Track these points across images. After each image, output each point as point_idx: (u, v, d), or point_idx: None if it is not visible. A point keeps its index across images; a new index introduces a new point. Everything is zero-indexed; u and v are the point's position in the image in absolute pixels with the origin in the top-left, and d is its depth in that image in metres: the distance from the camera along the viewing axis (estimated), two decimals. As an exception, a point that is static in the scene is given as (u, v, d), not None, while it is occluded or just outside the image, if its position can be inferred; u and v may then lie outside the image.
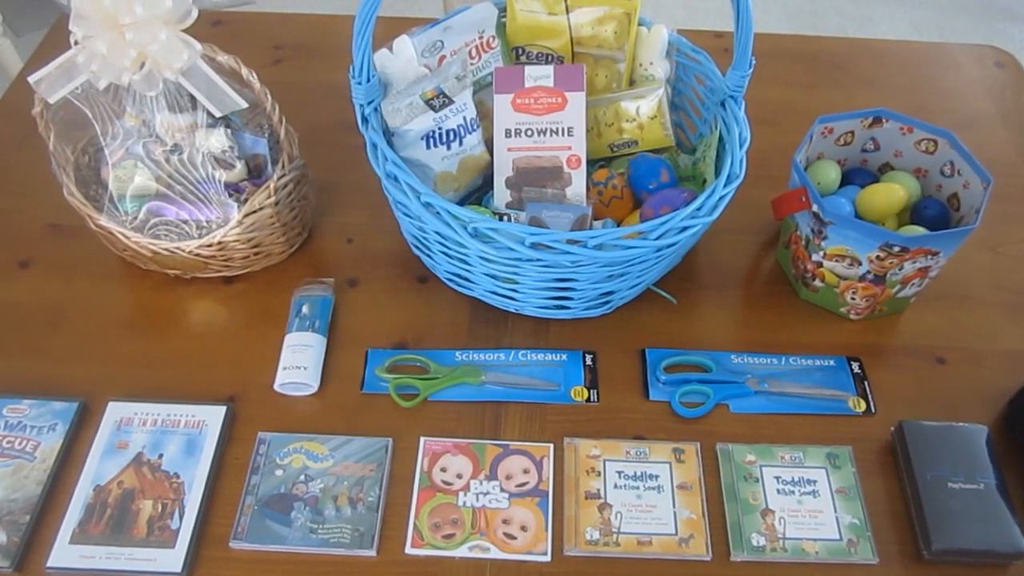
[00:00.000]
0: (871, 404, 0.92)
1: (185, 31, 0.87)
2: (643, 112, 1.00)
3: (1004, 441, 0.88)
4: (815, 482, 0.85)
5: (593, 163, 1.03)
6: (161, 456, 0.86)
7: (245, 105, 0.92)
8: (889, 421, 0.90)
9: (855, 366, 0.95)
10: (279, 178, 0.95)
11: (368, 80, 0.88)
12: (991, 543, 0.79)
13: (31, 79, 0.88)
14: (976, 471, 0.83)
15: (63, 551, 0.79)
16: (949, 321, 1.01)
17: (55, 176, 0.95)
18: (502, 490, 0.85)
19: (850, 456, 0.87)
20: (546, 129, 0.94)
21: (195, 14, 0.86)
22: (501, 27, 1.02)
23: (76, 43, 0.86)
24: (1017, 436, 0.89)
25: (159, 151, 0.93)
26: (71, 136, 0.98)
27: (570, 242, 0.83)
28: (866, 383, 0.94)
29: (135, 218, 0.94)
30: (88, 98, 0.91)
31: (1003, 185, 0.94)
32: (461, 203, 0.99)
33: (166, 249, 0.94)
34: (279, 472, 0.85)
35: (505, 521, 0.83)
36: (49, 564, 0.79)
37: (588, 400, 0.92)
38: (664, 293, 1.00)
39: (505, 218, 0.91)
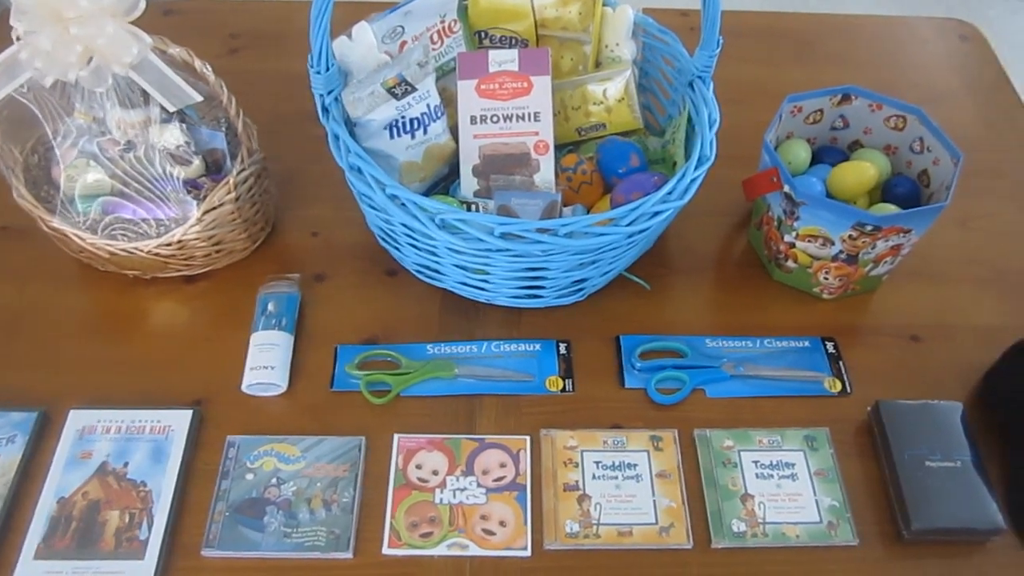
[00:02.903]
0: (847, 384, 0.92)
1: (134, 23, 0.84)
2: (610, 95, 0.98)
3: (979, 417, 0.88)
4: (793, 465, 0.85)
5: (561, 148, 1.01)
6: (127, 464, 0.83)
7: (199, 99, 0.89)
8: (865, 401, 0.90)
9: (830, 346, 0.95)
10: (238, 172, 0.92)
11: (327, 69, 0.85)
12: (970, 521, 0.80)
13: (-28, 77, 0.84)
14: (953, 449, 0.83)
15: (28, 567, 0.77)
16: (922, 298, 1.01)
17: (3, 177, 0.91)
18: (479, 485, 0.83)
19: (827, 438, 0.87)
20: (512, 115, 0.92)
21: (143, 5, 0.83)
22: (463, 11, 1.00)
23: (18, 39, 0.83)
24: (992, 411, 0.89)
25: (112, 149, 0.90)
26: (19, 135, 0.94)
27: (540, 231, 0.81)
28: (841, 363, 0.94)
29: (89, 219, 0.91)
30: (35, 96, 0.88)
31: (970, 160, 0.93)
32: (427, 193, 0.97)
33: (123, 250, 0.91)
34: (250, 476, 0.83)
35: (483, 517, 0.81)
36: (13, 581, 0.76)
37: (563, 390, 0.91)
38: (637, 279, 0.99)
39: (473, 207, 0.89)
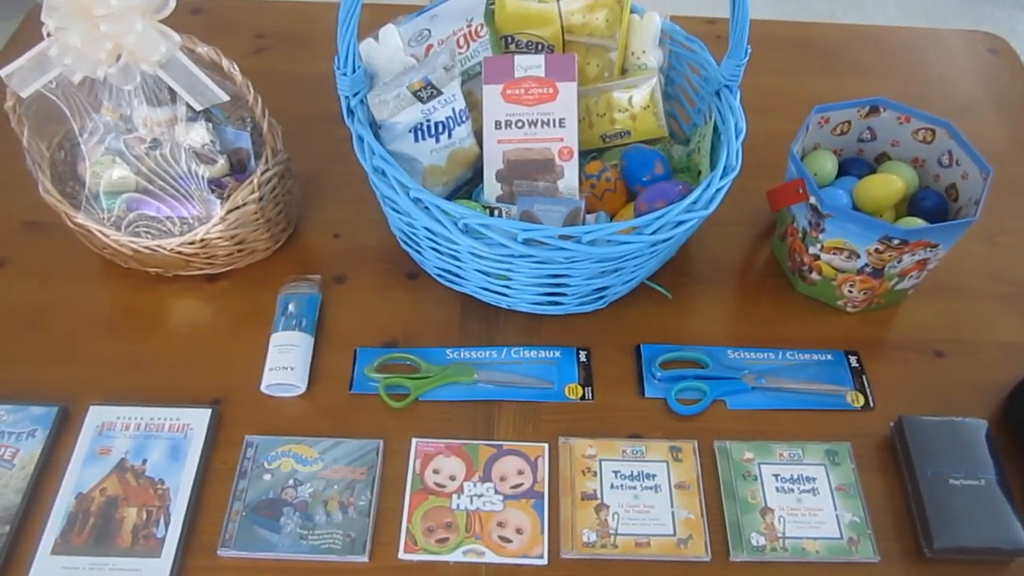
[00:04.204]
0: (869, 399, 0.91)
1: (163, 21, 0.84)
2: (636, 102, 0.97)
3: (1004, 435, 0.87)
4: (814, 480, 0.84)
5: (585, 155, 1.00)
6: (145, 462, 0.83)
7: (226, 98, 0.89)
8: (888, 416, 0.89)
9: (853, 360, 0.94)
10: (263, 172, 0.92)
11: (353, 71, 0.85)
12: (993, 540, 0.78)
13: (1, 73, 0.85)
14: (977, 467, 0.82)
15: (45, 562, 0.77)
16: (946, 313, 0.99)
17: (30, 172, 0.92)
18: (496, 492, 0.83)
19: (849, 452, 0.86)
20: (537, 120, 0.92)
21: (172, 4, 0.83)
22: (490, 15, 1.00)
23: (49, 35, 0.83)
24: (1017, 430, 0.88)
25: (138, 146, 0.90)
26: (46, 131, 0.95)
27: (563, 238, 0.80)
28: (864, 377, 0.93)
29: (114, 215, 0.91)
30: (63, 92, 0.88)
31: (998, 174, 0.92)
32: (450, 197, 0.97)
33: (147, 247, 0.91)
34: (267, 477, 0.83)
35: (500, 524, 0.81)
36: (30, 576, 0.76)
37: (583, 398, 0.90)
38: (659, 287, 0.98)
39: (496, 213, 0.89)
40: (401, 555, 0.79)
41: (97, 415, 0.86)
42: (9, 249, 1.01)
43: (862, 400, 0.91)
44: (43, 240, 1.01)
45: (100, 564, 0.77)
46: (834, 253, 0.91)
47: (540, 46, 1.00)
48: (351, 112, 0.89)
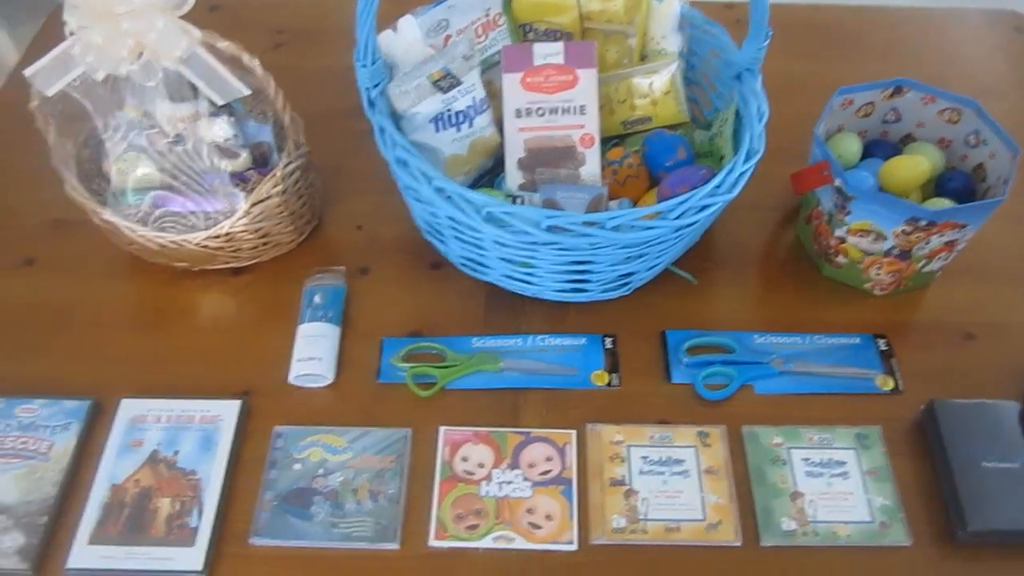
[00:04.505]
0: (899, 382, 0.90)
1: (182, 18, 0.85)
2: (656, 88, 0.97)
3: (1036, 416, 0.86)
4: (844, 463, 0.84)
5: (606, 141, 1.00)
6: (176, 453, 0.84)
7: (248, 92, 0.89)
8: (917, 399, 0.88)
9: (881, 343, 0.93)
10: (285, 165, 0.92)
11: (373, 62, 0.86)
12: (1028, 522, 0.78)
13: (26, 73, 0.86)
14: (1010, 450, 0.81)
15: (82, 552, 0.78)
16: (975, 295, 0.98)
17: (57, 171, 0.93)
18: (525, 479, 0.83)
19: (879, 436, 0.86)
20: (557, 108, 0.92)
21: (192, 0, 0.83)
22: (507, 4, 1.00)
23: (71, 34, 0.84)
24: (1049, 411, 0.87)
25: (161, 142, 0.91)
26: (71, 130, 0.95)
27: (587, 224, 0.80)
28: (893, 361, 0.92)
29: (140, 211, 0.92)
30: (87, 90, 0.89)
31: (1025, 153, 0.91)
32: (472, 186, 0.97)
33: (173, 242, 0.92)
34: (297, 466, 0.84)
35: (529, 511, 0.81)
36: (69, 565, 0.77)
37: (609, 385, 0.90)
38: (683, 273, 0.98)
39: (518, 201, 0.89)
40: (431, 542, 0.79)
41: (129, 408, 0.87)
42: (38, 247, 1.02)
43: (891, 383, 0.90)
44: (71, 238, 1.02)
45: (136, 553, 0.78)
46: (860, 236, 0.91)
47: (558, 34, 1.00)
48: (372, 103, 0.89)
